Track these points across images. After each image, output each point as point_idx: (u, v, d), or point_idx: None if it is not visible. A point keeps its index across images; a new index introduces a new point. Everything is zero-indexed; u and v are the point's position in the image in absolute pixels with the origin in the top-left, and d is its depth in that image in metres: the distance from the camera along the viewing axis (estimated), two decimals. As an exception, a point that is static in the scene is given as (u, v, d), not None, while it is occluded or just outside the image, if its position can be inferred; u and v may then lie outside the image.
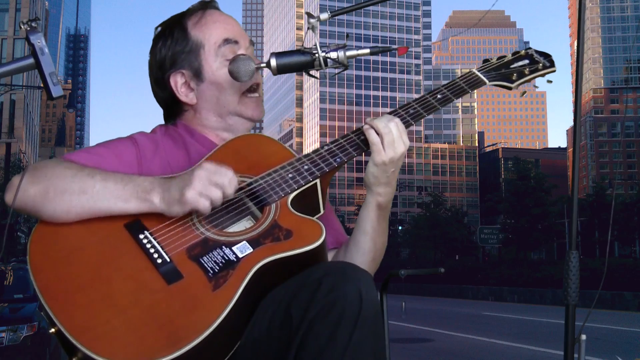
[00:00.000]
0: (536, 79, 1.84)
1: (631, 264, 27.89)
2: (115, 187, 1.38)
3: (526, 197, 39.85)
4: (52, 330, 1.24)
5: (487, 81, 1.74)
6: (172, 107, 1.72)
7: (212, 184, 1.34)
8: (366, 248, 1.59)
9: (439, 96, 1.66)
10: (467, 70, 1.76)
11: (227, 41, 1.64)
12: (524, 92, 1.84)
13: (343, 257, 1.62)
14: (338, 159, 1.53)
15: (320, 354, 1.17)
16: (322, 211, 1.56)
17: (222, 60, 1.64)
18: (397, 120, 1.54)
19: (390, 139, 1.50)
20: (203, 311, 1.23)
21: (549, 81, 1.82)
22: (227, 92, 1.64)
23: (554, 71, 1.83)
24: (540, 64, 1.81)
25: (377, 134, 1.52)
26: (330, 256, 1.66)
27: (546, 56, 1.84)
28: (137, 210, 1.38)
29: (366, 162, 1.58)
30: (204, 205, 1.33)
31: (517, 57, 1.83)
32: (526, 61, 1.82)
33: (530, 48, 1.88)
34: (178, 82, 1.66)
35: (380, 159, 1.51)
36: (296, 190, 1.47)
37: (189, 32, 1.66)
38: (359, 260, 1.58)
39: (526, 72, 1.79)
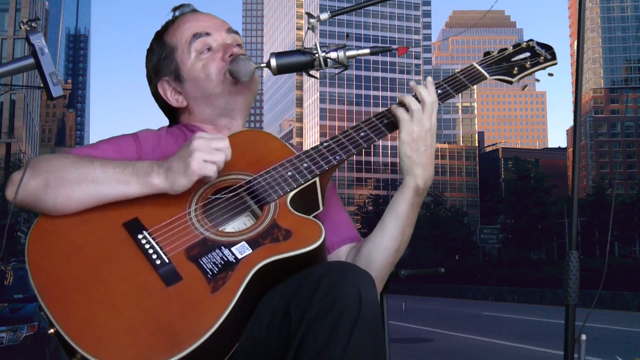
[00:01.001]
0: (538, 73, 1.81)
1: (631, 264, 27.87)
2: (115, 171, 1.39)
3: (526, 197, 39.83)
4: (51, 330, 1.24)
5: (487, 75, 1.71)
6: (171, 114, 1.77)
7: (212, 149, 1.35)
8: (394, 234, 1.55)
9: (439, 91, 1.64)
10: (468, 64, 1.73)
11: (196, 35, 1.66)
12: (525, 86, 1.81)
13: (367, 243, 1.58)
14: (337, 157, 1.52)
15: (320, 354, 1.16)
16: (321, 208, 1.55)
17: (196, 55, 1.65)
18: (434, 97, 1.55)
19: (419, 116, 1.51)
20: (202, 314, 1.22)
21: (550, 74, 1.79)
22: (206, 80, 1.64)
23: (556, 64, 1.80)
24: (542, 57, 1.78)
25: (407, 109, 1.53)
26: (344, 251, 1.63)
27: (548, 48, 1.81)
28: (138, 192, 1.38)
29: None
30: (212, 169, 1.35)
31: (518, 49, 1.80)
32: (527, 54, 1.79)
33: (531, 40, 1.84)
34: (166, 90, 1.70)
35: (408, 136, 1.51)
36: (295, 189, 1.46)
37: (164, 41, 1.71)
38: (385, 246, 1.54)
39: (527, 65, 1.77)
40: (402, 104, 1.55)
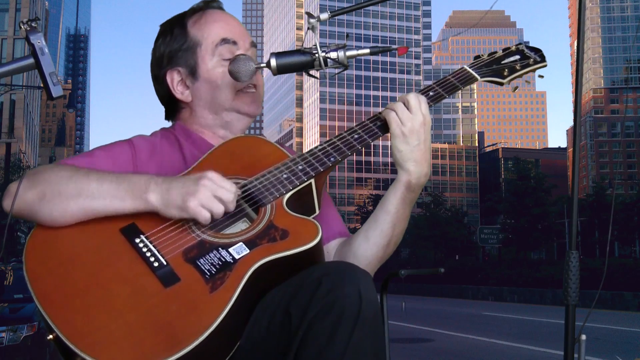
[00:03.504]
0: (530, 75, 1.86)
1: (631, 264, 27.89)
2: (110, 186, 1.38)
3: (526, 197, 39.89)
4: (50, 336, 1.24)
5: (478, 77, 1.74)
6: (170, 105, 1.73)
7: (216, 197, 1.33)
8: (384, 229, 1.56)
9: (431, 93, 1.66)
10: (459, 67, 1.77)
11: (225, 40, 1.64)
12: (516, 88, 1.85)
13: (358, 235, 1.59)
14: (332, 159, 1.53)
15: (320, 354, 1.17)
16: (317, 211, 1.55)
17: (218, 60, 1.64)
18: (416, 94, 1.57)
19: (403, 108, 1.52)
20: (201, 313, 1.22)
21: (541, 76, 1.83)
22: (222, 90, 1.63)
23: (545, 66, 1.83)
24: (531, 59, 1.81)
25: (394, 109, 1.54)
26: (333, 245, 1.65)
27: (537, 51, 1.84)
28: (133, 209, 1.37)
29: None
30: (205, 216, 1.33)
31: (508, 52, 1.83)
32: (517, 57, 1.82)
33: (520, 44, 1.88)
34: (174, 80, 1.67)
35: (399, 129, 1.52)
36: (291, 190, 1.46)
37: (188, 30, 1.67)
38: (374, 240, 1.56)
39: (517, 67, 1.80)
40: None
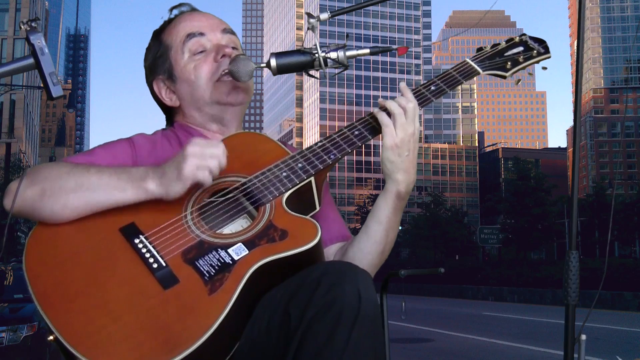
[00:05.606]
0: (532, 67, 1.82)
1: (631, 264, 27.91)
2: (110, 178, 1.39)
3: (526, 197, 39.86)
4: (51, 337, 1.24)
5: (480, 70, 1.72)
6: (167, 112, 1.79)
7: (206, 155, 1.35)
8: (378, 238, 1.57)
9: (432, 88, 1.64)
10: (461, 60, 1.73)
11: (190, 35, 1.67)
12: (519, 80, 1.80)
13: (352, 246, 1.60)
14: (332, 156, 1.52)
15: (319, 354, 1.16)
16: (317, 207, 1.55)
17: (189, 56, 1.66)
18: (407, 100, 1.56)
19: (403, 121, 1.52)
20: (199, 316, 1.22)
21: (544, 68, 1.79)
22: (198, 84, 1.65)
23: (549, 57, 1.80)
24: (535, 51, 1.78)
25: (389, 114, 1.54)
26: (334, 249, 1.65)
27: (541, 42, 1.81)
28: (134, 198, 1.38)
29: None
30: (204, 176, 1.35)
31: (511, 44, 1.80)
32: (520, 48, 1.79)
33: (524, 34, 1.84)
34: (161, 89, 1.72)
35: (392, 140, 1.51)
36: (290, 189, 1.46)
37: (161, 39, 1.72)
38: (368, 250, 1.56)
39: (520, 59, 1.77)
40: (383, 109, 1.56)
